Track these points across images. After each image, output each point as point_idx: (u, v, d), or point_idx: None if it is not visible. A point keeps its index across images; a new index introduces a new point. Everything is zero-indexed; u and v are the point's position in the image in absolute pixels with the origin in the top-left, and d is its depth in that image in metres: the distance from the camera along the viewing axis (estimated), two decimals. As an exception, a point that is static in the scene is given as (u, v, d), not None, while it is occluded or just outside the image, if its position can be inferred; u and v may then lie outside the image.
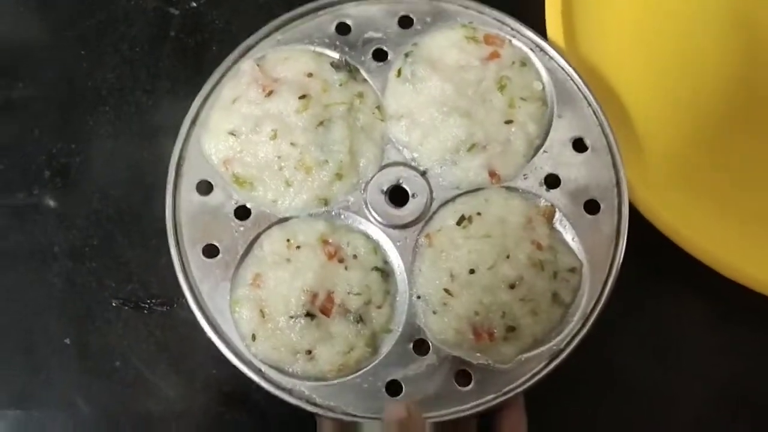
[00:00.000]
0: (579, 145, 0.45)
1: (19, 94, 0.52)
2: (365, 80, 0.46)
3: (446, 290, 0.42)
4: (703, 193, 0.49)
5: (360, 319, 0.41)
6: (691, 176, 0.49)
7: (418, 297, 0.42)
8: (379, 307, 0.42)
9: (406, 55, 0.46)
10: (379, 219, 0.43)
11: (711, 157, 0.50)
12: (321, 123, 0.43)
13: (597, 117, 0.45)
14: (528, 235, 0.43)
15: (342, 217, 0.44)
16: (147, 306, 0.48)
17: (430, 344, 0.42)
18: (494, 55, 0.46)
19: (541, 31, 0.47)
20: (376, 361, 0.41)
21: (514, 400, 0.41)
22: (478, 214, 0.43)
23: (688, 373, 0.48)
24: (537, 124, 0.45)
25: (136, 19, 0.53)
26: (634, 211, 0.44)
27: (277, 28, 0.46)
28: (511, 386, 0.41)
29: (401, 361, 0.41)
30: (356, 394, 0.41)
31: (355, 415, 0.40)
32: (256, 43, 0.46)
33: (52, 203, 0.50)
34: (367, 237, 0.43)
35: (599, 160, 0.44)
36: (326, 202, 0.43)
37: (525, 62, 0.46)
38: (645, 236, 0.45)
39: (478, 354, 0.41)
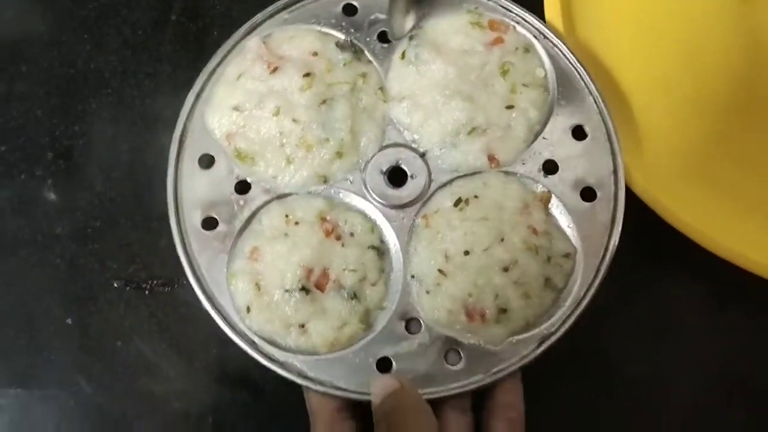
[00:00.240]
0: (578, 133, 0.45)
1: (22, 76, 0.52)
2: (369, 61, 0.46)
3: (440, 271, 0.42)
4: (700, 178, 0.49)
5: (354, 296, 0.42)
6: (689, 161, 0.49)
7: (413, 276, 0.43)
8: (374, 285, 0.43)
9: (411, 38, 0.46)
10: (377, 198, 0.44)
11: (708, 141, 0.50)
12: (324, 101, 0.44)
13: (597, 105, 0.45)
14: (524, 220, 0.43)
15: (341, 195, 0.44)
16: (148, 287, 0.49)
17: (423, 323, 0.42)
18: (498, 41, 0.46)
19: (540, 15, 0.48)
20: (369, 338, 0.42)
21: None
22: (476, 197, 0.44)
23: (685, 356, 0.48)
24: (538, 110, 0.45)
25: (138, 3, 0.54)
26: (630, 195, 0.45)
27: (284, 7, 0.47)
28: (501, 367, 0.41)
29: (393, 338, 0.42)
30: (347, 369, 0.41)
31: (345, 390, 0.41)
32: (263, 21, 0.46)
33: (54, 185, 0.50)
34: (365, 216, 0.44)
35: (598, 148, 0.44)
36: (326, 180, 0.44)
37: (528, 49, 0.46)
38: (642, 220, 0.45)
39: (470, 334, 0.42)
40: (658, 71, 0.51)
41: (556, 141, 0.45)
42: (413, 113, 0.45)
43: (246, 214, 0.43)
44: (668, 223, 0.46)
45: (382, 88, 0.46)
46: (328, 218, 0.43)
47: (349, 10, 0.47)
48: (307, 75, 0.44)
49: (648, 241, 0.47)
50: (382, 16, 0.47)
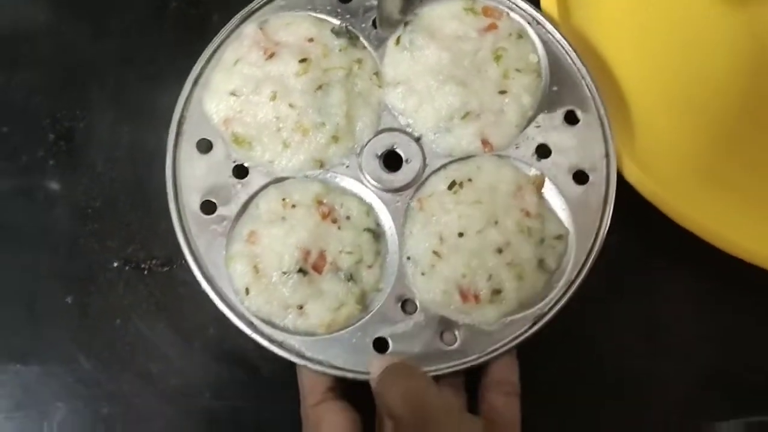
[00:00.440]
0: (571, 118, 0.46)
1: (24, 60, 0.53)
2: (364, 47, 0.47)
3: (435, 252, 0.43)
4: (692, 166, 0.49)
5: (351, 278, 0.43)
6: (683, 150, 0.50)
7: (408, 258, 0.44)
8: (370, 267, 0.43)
9: (406, 24, 0.47)
10: (372, 182, 0.45)
11: (702, 132, 0.50)
12: (320, 87, 0.44)
13: (590, 90, 0.46)
14: (517, 203, 0.44)
15: (337, 179, 0.45)
16: (147, 267, 0.49)
17: (418, 304, 0.43)
18: (492, 27, 0.47)
19: (534, 1, 0.48)
20: (365, 318, 0.43)
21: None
22: (469, 180, 0.44)
23: (676, 350, 0.49)
24: (531, 95, 0.46)
25: None
26: (624, 186, 0.45)
27: (279, -6, 0.47)
28: (495, 347, 0.42)
29: (389, 319, 0.43)
30: (344, 349, 0.42)
31: (343, 369, 0.42)
32: (259, 7, 0.47)
33: (56, 166, 0.51)
34: (361, 199, 0.45)
35: (590, 133, 0.45)
36: (322, 164, 0.45)
37: (521, 35, 0.47)
38: (633, 208, 0.46)
39: (464, 315, 0.43)
40: (653, 60, 0.51)
41: (549, 125, 0.45)
42: (408, 98, 0.45)
43: (243, 198, 0.44)
44: (662, 212, 0.46)
45: (377, 74, 0.46)
46: (324, 202, 0.44)
47: (345, -4, 0.47)
48: (303, 61, 0.44)
49: (642, 232, 0.48)
50: (377, 3, 0.47)
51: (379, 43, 0.47)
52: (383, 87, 0.46)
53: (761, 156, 0.50)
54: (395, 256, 0.44)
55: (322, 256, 0.43)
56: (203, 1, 0.54)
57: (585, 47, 0.49)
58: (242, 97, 0.44)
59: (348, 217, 0.44)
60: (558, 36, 0.47)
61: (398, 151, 0.45)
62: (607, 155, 0.45)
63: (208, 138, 0.45)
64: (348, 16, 0.47)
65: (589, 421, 0.48)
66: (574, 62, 0.46)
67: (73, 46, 0.53)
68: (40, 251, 0.50)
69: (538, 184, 0.45)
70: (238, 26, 0.47)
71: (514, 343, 0.42)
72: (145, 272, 0.49)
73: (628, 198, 0.45)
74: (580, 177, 0.45)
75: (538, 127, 0.45)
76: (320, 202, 0.44)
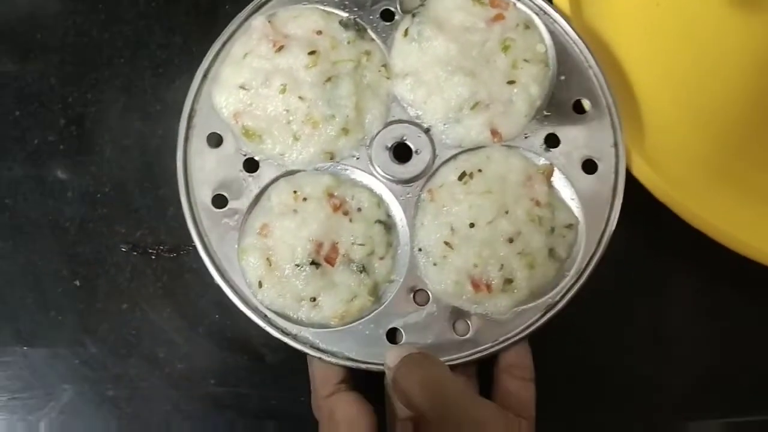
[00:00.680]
0: (579, 107, 0.46)
1: (37, 44, 0.53)
2: (372, 39, 0.47)
3: (446, 243, 0.43)
4: (703, 164, 0.49)
5: (363, 269, 0.43)
6: (694, 148, 0.50)
7: (420, 249, 0.44)
8: (382, 258, 0.44)
9: (413, 15, 0.47)
10: (383, 174, 0.45)
11: (712, 129, 0.50)
12: (329, 79, 0.44)
13: (597, 80, 0.46)
14: (527, 192, 0.44)
15: (347, 171, 0.45)
16: (155, 252, 0.50)
17: (430, 294, 0.43)
18: (499, 17, 0.47)
19: None
20: (378, 310, 0.43)
21: None
22: (479, 170, 0.44)
23: (679, 344, 0.49)
24: (539, 85, 0.46)
25: None
26: (632, 180, 0.45)
27: (287, -13, 0.47)
28: (507, 336, 0.43)
29: (402, 310, 0.43)
30: (358, 341, 0.42)
31: (356, 360, 0.42)
32: (267, 0, 0.47)
33: (66, 151, 0.51)
34: (371, 191, 0.45)
35: (598, 122, 0.45)
36: (332, 157, 0.45)
37: (529, 25, 0.47)
38: (642, 206, 0.46)
39: (476, 305, 0.43)
40: (664, 58, 0.51)
41: (558, 115, 0.46)
42: (417, 90, 0.45)
43: (255, 191, 0.44)
44: (671, 211, 0.46)
45: (385, 66, 0.46)
46: (335, 194, 0.44)
47: (352, -12, 0.47)
48: (312, 53, 0.44)
49: (650, 231, 0.48)
50: (385, -5, 0.47)
51: (387, 35, 0.47)
52: (392, 79, 0.46)
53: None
54: (406, 247, 0.44)
55: (334, 248, 0.43)
56: None
57: (596, 44, 0.49)
58: (252, 90, 0.44)
59: (359, 209, 0.44)
60: (565, 26, 0.47)
61: (408, 142, 0.45)
62: (615, 144, 0.45)
63: (218, 132, 0.45)
64: (355, 9, 0.47)
65: (589, 420, 0.48)
66: (581, 51, 0.46)
67: (86, 32, 0.53)
68: (49, 235, 0.50)
69: (548, 174, 0.45)
70: (246, 19, 0.46)
71: (525, 333, 0.43)
72: (153, 257, 0.50)
73: (637, 196, 0.45)
74: (589, 166, 0.45)
75: (547, 116, 0.46)
76: (331, 195, 0.44)
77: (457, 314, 0.43)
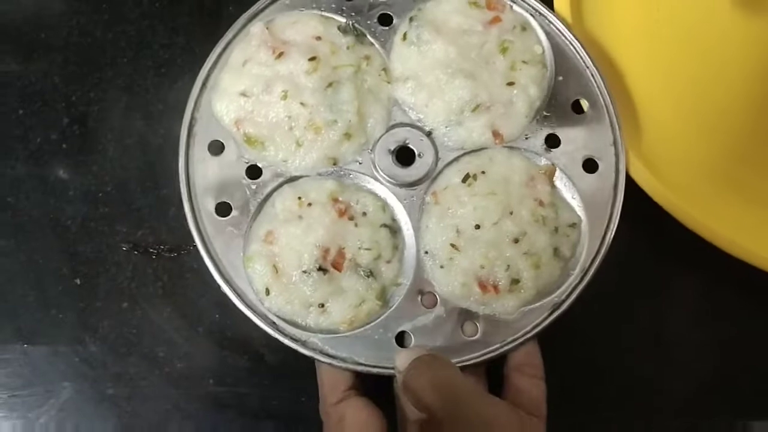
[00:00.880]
0: (578, 107, 0.46)
1: (41, 44, 0.53)
2: (371, 44, 0.47)
3: (453, 245, 0.43)
4: (704, 171, 0.50)
5: (370, 274, 0.43)
6: (694, 154, 0.50)
7: (426, 252, 0.44)
8: (389, 262, 0.44)
9: (411, 19, 0.47)
10: (386, 178, 0.45)
11: (714, 135, 0.50)
12: (330, 84, 0.44)
13: (595, 80, 0.47)
14: (530, 193, 0.44)
15: (351, 176, 0.45)
16: (156, 252, 0.50)
17: (438, 297, 0.43)
18: (496, 20, 0.47)
19: (548, 2, 0.48)
20: (386, 314, 0.43)
21: None
22: (483, 172, 0.45)
23: (679, 349, 0.50)
24: (538, 86, 0.46)
25: None
26: (634, 185, 0.46)
27: (284, -8, 0.47)
28: (516, 336, 0.43)
29: (410, 313, 0.43)
30: (367, 345, 0.42)
31: (366, 365, 0.42)
32: (265, 7, 0.47)
33: (69, 149, 0.51)
34: (376, 195, 0.45)
35: (597, 121, 0.46)
36: (335, 162, 0.45)
37: (525, 27, 0.47)
38: (643, 212, 0.46)
39: (484, 306, 0.43)
40: (666, 66, 0.51)
41: (557, 115, 0.46)
42: (417, 93, 0.46)
43: (259, 198, 0.44)
44: (673, 217, 0.46)
45: (385, 70, 0.46)
46: (340, 199, 0.44)
47: (349, -7, 0.48)
48: (312, 59, 0.44)
49: (652, 237, 0.49)
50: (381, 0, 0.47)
51: (386, 39, 0.47)
52: (392, 83, 0.46)
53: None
54: (413, 250, 0.44)
55: (341, 253, 0.43)
56: None
57: (598, 51, 0.49)
58: (253, 97, 0.44)
59: (364, 214, 0.44)
60: (560, 27, 0.47)
61: (410, 145, 0.45)
62: (614, 143, 0.46)
63: (220, 139, 0.45)
64: (353, 14, 0.47)
65: (591, 421, 0.48)
66: (577, 52, 0.47)
67: (89, 32, 0.53)
68: (51, 233, 0.50)
69: (550, 174, 0.45)
70: (244, 26, 0.46)
71: (533, 332, 0.43)
72: (154, 257, 0.50)
73: (638, 200, 0.46)
74: (590, 165, 0.45)
75: (547, 117, 0.46)
76: (336, 200, 0.44)
77: (465, 316, 0.43)
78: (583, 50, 0.47)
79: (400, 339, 0.43)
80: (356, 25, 0.47)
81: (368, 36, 0.47)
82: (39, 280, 0.49)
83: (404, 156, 0.45)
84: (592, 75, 0.47)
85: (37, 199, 0.50)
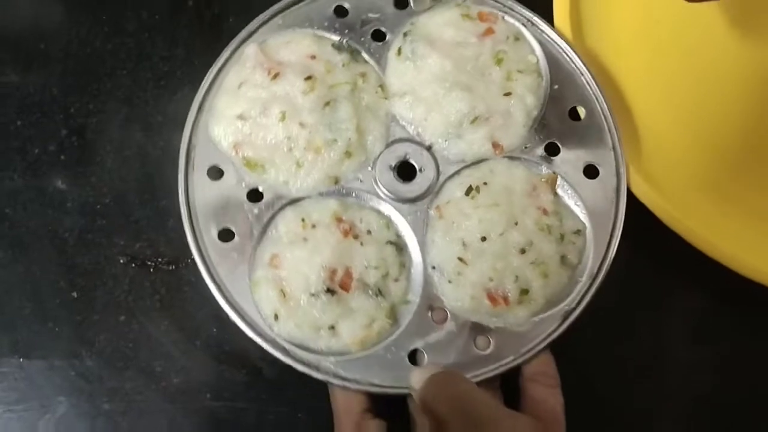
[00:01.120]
0: (575, 114, 0.47)
1: (40, 54, 0.52)
2: (366, 60, 0.47)
3: (460, 259, 0.43)
4: (702, 185, 0.49)
5: (379, 292, 0.42)
6: (694, 170, 0.49)
7: (433, 267, 0.43)
8: (396, 280, 0.43)
9: (405, 34, 0.47)
10: (389, 194, 0.44)
11: (711, 149, 0.50)
12: (327, 103, 0.44)
13: (590, 87, 0.47)
14: (533, 202, 0.44)
15: (353, 194, 0.45)
16: (153, 264, 0.49)
17: (448, 312, 0.43)
18: (489, 32, 0.47)
19: (549, 20, 0.48)
20: (398, 332, 0.42)
21: None
22: (485, 184, 0.45)
23: (675, 367, 0.49)
24: (534, 95, 0.46)
25: None
26: (630, 197, 0.46)
27: (276, 13, 0.47)
28: (529, 347, 0.42)
29: (421, 330, 0.42)
30: (380, 366, 0.42)
31: (380, 386, 0.41)
32: (257, 28, 0.46)
33: (67, 161, 0.50)
34: (379, 212, 0.44)
35: (595, 127, 0.46)
36: (337, 181, 0.44)
37: (518, 37, 0.48)
38: (643, 226, 0.46)
39: (495, 318, 0.43)
40: (664, 82, 0.50)
41: (555, 123, 0.46)
42: (415, 107, 0.45)
43: (261, 222, 0.43)
44: (672, 230, 0.46)
45: (382, 86, 0.46)
46: (343, 218, 0.43)
47: (341, 11, 0.47)
48: (308, 78, 0.44)
49: (652, 251, 0.48)
50: (374, 16, 0.47)
51: (380, 55, 0.47)
52: (389, 98, 0.46)
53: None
54: (420, 266, 0.44)
55: (348, 273, 0.42)
56: (220, 1, 0.54)
57: (598, 66, 0.49)
58: (250, 120, 0.44)
59: (369, 232, 0.44)
60: (553, 35, 0.48)
61: (411, 161, 0.45)
62: (613, 148, 0.46)
63: (219, 164, 0.44)
64: (346, 31, 0.47)
65: None
66: (571, 60, 0.47)
67: (89, 43, 0.53)
68: (48, 245, 0.49)
69: (551, 182, 0.45)
70: (236, 49, 0.46)
71: (546, 342, 0.43)
72: (151, 270, 0.49)
73: (638, 216, 0.46)
74: (591, 171, 0.46)
75: (545, 125, 0.46)
76: (339, 219, 0.43)
77: (477, 329, 0.43)
78: (577, 58, 0.47)
79: (413, 357, 0.42)
80: (350, 42, 0.46)
81: (363, 53, 0.47)
82: (36, 292, 0.48)
83: (405, 171, 0.45)
84: (587, 82, 0.47)
85: (34, 211, 0.50)
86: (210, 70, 0.45)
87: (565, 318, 0.43)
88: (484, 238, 0.43)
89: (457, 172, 0.45)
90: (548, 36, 0.48)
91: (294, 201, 0.44)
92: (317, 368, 0.41)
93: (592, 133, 0.46)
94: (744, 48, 0.50)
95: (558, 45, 0.48)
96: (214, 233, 0.43)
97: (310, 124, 0.43)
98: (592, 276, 0.44)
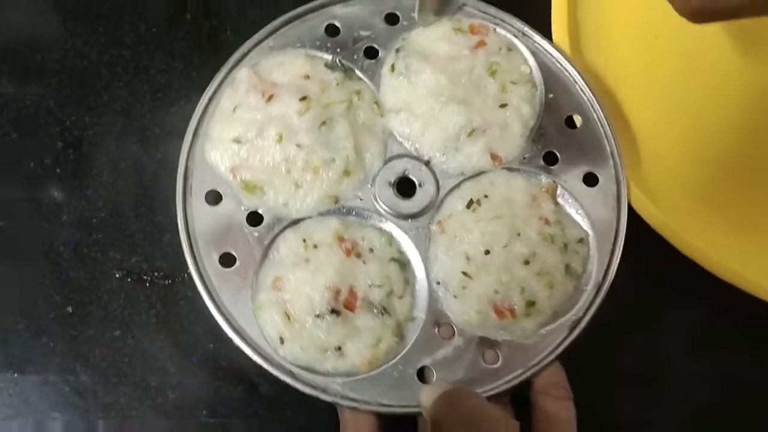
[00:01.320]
0: (572, 122, 0.47)
1: (36, 67, 0.52)
2: (360, 78, 0.46)
3: (464, 273, 0.43)
4: (701, 198, 0.49)
5: (384, 311, 0.42)
6: (692, 182, 0.49)
7: (438, 283, 0.43)
8: (401, 297, 0.43)
9: (397, 50, 0.47)
10: (389, 211, 0.44)
11: (704, 160, 0.50)
12: (324, 123, 0.44)
13: (585, 95, 0.47)
14: (535, 212, 0.44)
15: (353, 213, 0.44)
16: (149, 279, 0.48)
17: (455, 327, 0.42)
18: (481, 44, 0.47)
19: (544, 31, 0.48)
20: (405, 350, 0.42)
21: None
22: (485, 196, 0.44)
23: (673, 383, 0.49)
24: (529, 105, 0.46)
25: (154, 0, 0.54)
26: (631, 212, 0.45)
27: (267, 35, 0.47)
28: (538, 359, 0.42)
29: (429, 347, 0.42)
30: (389, 385, 0.41)
31: (390, 405, 0.41)
32: (249, 51, 0.46)
33: (63, 174, 0.50)
34: (381, 230, 0.44)
35: (593, 134, 0.46)
36: (336, 200, 0.44)
37: (511, 48, 0.48)
38: (641, 240, 0.45)
39: (502, 331, 0.42)
40: (662, 97, 0.51)
41: (552, 132, 0.46)
42: (412, 123, 0.45)
43: (262, 245, 0.43)
44: (671, 244, 0.46)
45: (377, 103, 0.46)
46: (345, 237, 0.43)
47: (332, 30, 0.47)
48: (303, 98, 0.44)
49: (650, 265, 0.48)
50: (365, 33, 0.47)
51: (374, 72, 0.47)
52: (385, 115, 0.46)
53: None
54: (424, 282, 0.43)
55: (352, 293, 0.42)
56: (218, 14, 0.54)
57: (595, 78, 0.49)
58: (247, 143, 0.43)
59: (371, 250, 0.43)
60: (546, 45, 0.48)
61: (410, 176, 0.45)
62: (611, 154, 0.46)
63: (217, 189, 0.44)
64: (338, 50, 0.47)
65: None
66: (564, 68, 0.47)
67: (86, 55, 0.52)
68: (43, 259, 0.49)
69: (552, 192, 0.45)
70: (229, 72, 0.46)
71: (555, 353, 0.42)
72: (147, 284, 0.48)
73: (637, 230, 0.45)
74: (590, 179, 0.45)
75: (542, 135, 0.46)
76: (341, 239, 0.43)
77: (485, 344, 0.42)
78: (570, 66, 0.47)
79: (421, 375, 0.42)
80: (343, 60, 0.46)
81: (356, 70, 0.46)
82: (30, 306, 0.48)
83: (405, 187, 0.45)
84: (582, 90, 0.47)
85: (29, 224, 0.49)
86: (203, 95, 0.45)
87: (572, 328, 0.43)
88: (487, 251, 0.43)
89: (457, 186, 0.45)
90: (540, 46, 0.48)
91: (294, 222, 0.44)
92: (325, 390, 0.41)
93: (590, 141, 0.46)
94: (740, 61, 0.50)
95: (551, 54, 0.48)
96: (215, 258, 0.42)
97: (307, 145, 0.43)
98: (598, 284, 0.44)
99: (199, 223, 0.43)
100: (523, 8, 0.48)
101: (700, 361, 0.49)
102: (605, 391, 0.47)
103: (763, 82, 0.50)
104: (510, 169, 0.45)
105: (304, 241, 0.43)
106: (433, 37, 0.47)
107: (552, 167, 0.46)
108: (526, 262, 0.43)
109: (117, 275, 0.48)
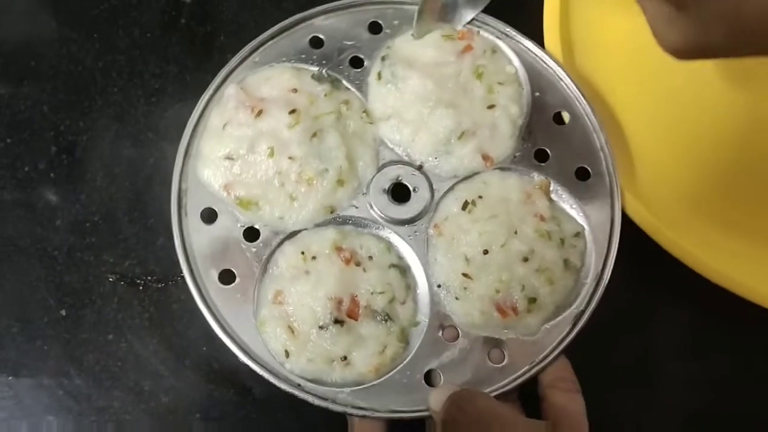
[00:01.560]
0: (560, 118, 0.47)
1: (31, 72, 0.52)
2: (347, 88, 0.47)
3: (464, 275, 0.43)
4: (693, 205, 0.50)
5: (387, 317, 0.42)
6: (684, 190, 0.50)
7: (439, 286, 0.43)
8: (403, 303, 0.43)
9: (383, 58, 0.47)
10: (385, 218, 0.44)
11: (702, 172, 0.50)
12: (314, 134, 0.44)
13: (570, 91, 0.47)
14: (530, 210, 0.44)
15: (350, 222, 0.44)
16: (143, 282, 0.49)
17: (459, 329, 0.42)
18: (468, 48, 0.47)
19: (540, 42, 0.49)
20: (410, 355, 0.42)
21: None
22: (480, 197, 0.45)
23: (666, 385, 0.49)
24: (517, 104, 0.46)
25: (149, 5, 0.54)
26: (625, 220, 0.45)
27: (252, 51, 0.47)
28: (543, 354, 0.42)
29: (434, 350, 0.42)
30: (397, 391, 0.41)
31: (399, 411, 0.41)
32: (234, 68, 0.46)
33: (57, 179, 0.50)
34: (378, 237, 0.44)
35: (581, 129, 0.46)
36: (332, 210, 0.44)
37: (495, 49, 0.48)
38: (636, 245, 0.46)
39: (506, 330, 0.42)
40: (654, 109, 0.51)
41: (541, 130, 0.46)
42: (402, 129, 0.46)
43: (261, 259, 0.43)
44: (661, 246, 0.46)
45: (366, 111, 0.46)
46: (343, 247, 0.43)
47: (316, 42, 0.47)
48: (292, 111, 0.44)
49: (643, 270, 0.49)
50: (349, 43, 0.47)
51: (361, 81, 0.47)
52: (375, 123, 0.46)
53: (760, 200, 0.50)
54: (425, 286, 0.43)
55: (354, 301, 0.42)
56: (211, 20, 0.54)
57: (587, 87, 0.50)
58: (239, 159, 0.43)
59: (370, 257, 0.43)
60: (528, 44, 0.48)
61: (404, 182, 0.45)
62: (601, 147, 0.46)
63: (212, 206, 0.44)
64: (324, 61, 0.47)
65: None
66: (548, 66, 0.48)
67: (80, 60, 0.53)
68: (37, 263, 0.49)
69: (545, 188, 0.45)
70: (216, 90, 0.46)
71: (560, 347, 0.42)
72: (140, 288, 0.49)
73: (629, 235, 0.45)
74: (582, 173, 0.46)
75: (531, 133, 0.46)
76: (339, 248, 0.43)
77: (490, 343, 0.42)
78: (554, 63, 0.47)
79: (429, 378, 0.42)
80: (329, 71, 0.47)
81: (343, 81, 0.47)
82: (24, 310, 0.48)
83: (400, 193, 0.45)
84: (567, 86, 0.47)
85: (23, 228, 0.49)
86: (192, 114, 0.45)
87: (576, 321, 0.43)
88: (486, 251, 0.43)
89: (451, 188, 0.45)
90: (523, 45, 0.48)
91: (292, 235, 0.44)
92: (334, 401, 0.41)
93: (579, 136, 0.46)
94: (731, 71, 0.50)
95: (534, 53, 0.48)
96: (215, 277, 0.42)
97: (299, 157, 0.43)
98: (597, 276, 0.44)
99: (196, 243, 0.43)
100: (515, 17, 0.49)
101: (694, 362, 0.49)
102: (599, 391, 0.46)
103: (753, 93, 0.50)
104: (502, 169, 0.46)
105: (303, 253, 0.43)
106: (420, 44, 0.47)
107: (543, 164, 0.46)
108: (525, 260, 0.43)
109: (110, 279, 0.48)
